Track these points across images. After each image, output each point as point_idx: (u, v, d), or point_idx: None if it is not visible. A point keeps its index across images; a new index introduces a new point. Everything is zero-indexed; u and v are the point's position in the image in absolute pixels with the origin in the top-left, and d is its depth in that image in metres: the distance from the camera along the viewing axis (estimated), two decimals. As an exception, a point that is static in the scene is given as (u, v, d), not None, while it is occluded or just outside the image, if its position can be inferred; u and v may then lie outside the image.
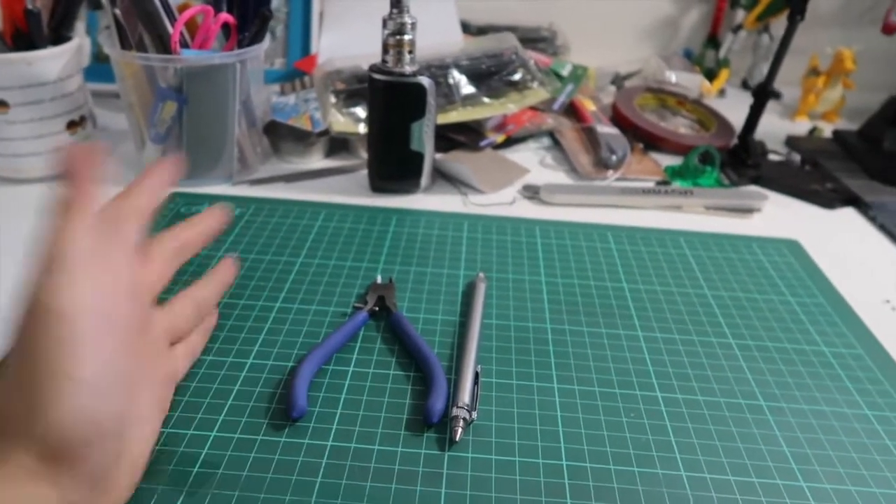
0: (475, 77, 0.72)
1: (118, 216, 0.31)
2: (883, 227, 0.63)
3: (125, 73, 0.59)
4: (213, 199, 0.59)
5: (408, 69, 0.57)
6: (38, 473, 0.25)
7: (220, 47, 0.60)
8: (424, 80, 0.57)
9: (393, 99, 0.58)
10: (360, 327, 0.44)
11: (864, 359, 0.44)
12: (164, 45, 0.57)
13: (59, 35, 0.59)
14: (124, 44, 0.57)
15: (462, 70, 0.72)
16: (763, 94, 0.70)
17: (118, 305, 0.28)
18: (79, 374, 0.26)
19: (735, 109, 0.82)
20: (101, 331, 0.27)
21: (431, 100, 0.58)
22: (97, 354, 0.27)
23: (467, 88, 0.71)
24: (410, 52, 0.57)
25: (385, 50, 0.56)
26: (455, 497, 0.32)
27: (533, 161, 0.72)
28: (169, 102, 0.57)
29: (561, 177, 0.69)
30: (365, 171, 0.64)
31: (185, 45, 0.58)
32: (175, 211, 0.57)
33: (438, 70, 0.71)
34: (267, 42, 0.61)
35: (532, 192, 0.64)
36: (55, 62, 0.57)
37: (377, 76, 0.57)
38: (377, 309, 0.45)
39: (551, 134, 0.77)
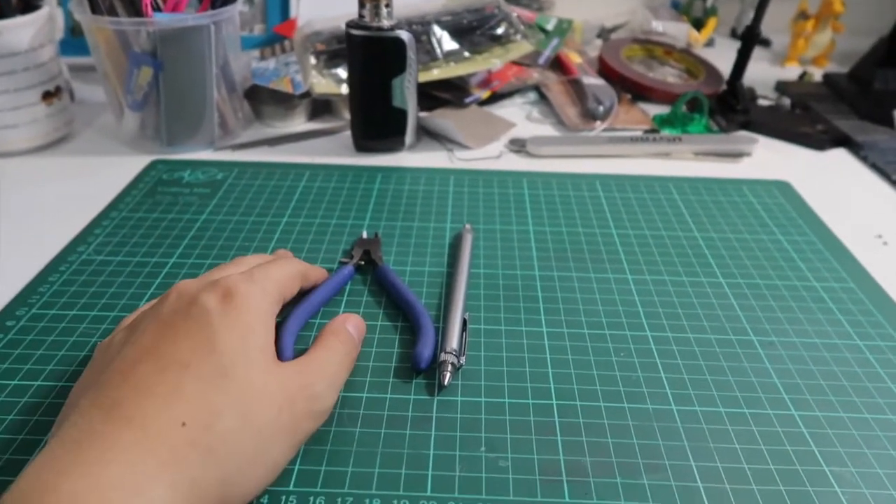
0: (457, 32, 0.71)
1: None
2: (874, 166, 0.62)
3: (98, 40, 0.58)
4: (194, 166, 0.58)
5: (385, 23, 0.55)
6: None
7: (193, 10, 0.59)
8: (403, 34, 0.56)
9: (372, 54, 0.56)
10: (347, 281, 0.43)
11: (856, 292, 0.44)
12: (135, 9, 0.55)
13: (28, 4, 0.58)
14: (95, 10, 0.56)
15: (443, 26, 0.70)
16: (750, 37, 0.68)
17: None
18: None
19: (724, 58, 0.81)
20: None
21: (411, 54, 0.57)
22: None
23: (449, 45, 0.70)
24: (387, 5, 0.55)
25: (361, 4, 0.55)
26: (445, 438, 0.32)
27: (519, 116, 0.71)
28: (144, 68, 0.56)
29: (548, 130, 0.68)
30: (349, 133, 0.64)
31: (157, 8, 0.57)
32: (157, 178, 0.56)
33: (420, 26, 0.69)
34: (240, 3, 0.60)
35: (519, 146, 0.63)
36: (25, 31, 0.56)
37: (354, 32, 0.56)
38: (363, 263, 0.45)
39: (537, 88, 0.76)
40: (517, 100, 0.75)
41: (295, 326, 0.38)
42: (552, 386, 0.36)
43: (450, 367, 0.35)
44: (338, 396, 0.33)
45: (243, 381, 0.28)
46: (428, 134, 0.66)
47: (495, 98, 0.73)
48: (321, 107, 0.69)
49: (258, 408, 0.27)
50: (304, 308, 0.39)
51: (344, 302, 0.42)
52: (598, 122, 0.67)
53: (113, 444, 0.24)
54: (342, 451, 0.31)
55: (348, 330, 0.35)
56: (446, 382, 0.35)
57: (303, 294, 0.40)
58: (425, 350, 0.36)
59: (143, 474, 0.24)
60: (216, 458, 0.26)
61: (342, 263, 0.44)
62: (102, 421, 0.25)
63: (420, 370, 0.36)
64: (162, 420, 0.25)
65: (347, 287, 0.43)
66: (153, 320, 0.30)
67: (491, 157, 0.62)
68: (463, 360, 0.36)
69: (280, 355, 0.35)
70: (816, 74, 0.85)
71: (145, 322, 0.30)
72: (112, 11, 0.56)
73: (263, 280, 0.33)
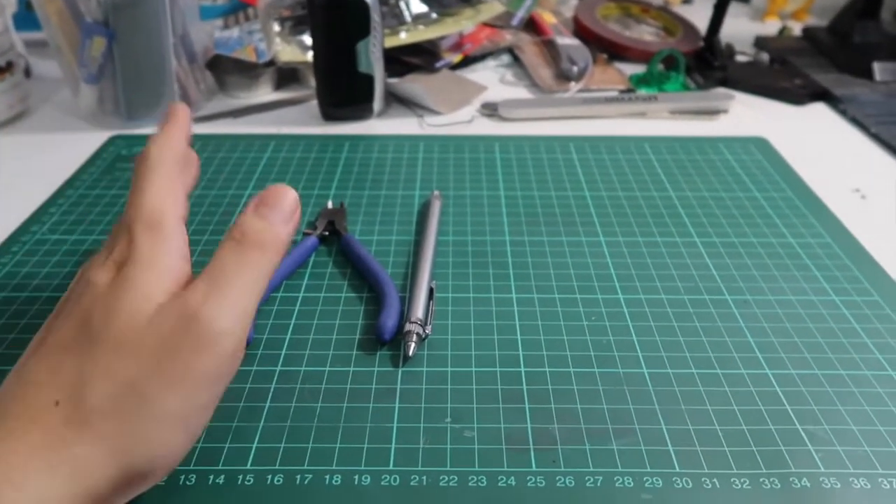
0: (426, -6, 0.69)
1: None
2: (854, 120, 0.61)
3: (48, 11, 0.55)
4: (155, 139, 0.56)
5: (347, -16, 0.53)
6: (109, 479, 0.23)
7: (147, -24, 0.57)
8: (366, -5, 0.54)
9: (334, 18, 0.54)
10: (310, 253, 0.42)
11: (833, 247, 0.43)
12: (85, -24, 0.53)
13: (-28, -25, 0.56)
14: (43, -21, 0.53)
15: (411, -13, 0.68)
16: (726, -10, 0.67)
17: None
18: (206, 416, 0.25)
19: (702, 15, 0.78)
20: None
21: (376, 16, 0.55)
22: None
23: (418, 7, 0.68)
24: (349, -35, 0.53)
25: (321, -35, 0.53)
26: (409, 410, 0.31)
27: (492, 79, 0.69)
28: (97, 38, 0.54)
29: (522, 93, 0.66)
30: (316, 101, 0.62)
31: (108, -25, 0.54)
32: (116, 154, 0.54)
33: (386, -11, 0.67)
34: (197, -33, 0.57)
35: (491, 110, 0.61)
36: (-30, 3, 0.54)
37: (315, -6, 0.54)
38: (327, 233, 0.43)
39: (511, 51, 0.74)
40: (490, 63, 0.73)
41: (255, 301, 0.37)
42: (521, 353, 0.35)
43: (415, 338, 0.34)
44: (240, 320, 0.25)
45: (113, 340, 0.24)
46: (398, 100, 0.64)
47: (467, 62, 0.71)
48: (287, 75, 0.67)
49: (128, 363, 0.24)
50: (265, 282, 0.38)
51: (308, 274, 0.40)
52: (573, 83, 0.66)
53: None
54: (302, 427, 0.30)
55: (250, 227, 0.26)
56: (411, 353, 0.34)
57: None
58: (389, 321, 0.35)
59: (13, 464, 0.22)
60: (96, 430, 0.23)
61: (306, 234, 0.43)
62: None
63: (384, 341, 0.35)
64: (36, 405, 0.23)
65: (311, 258, 0.42)
66: (52, 311, 0.27)
67: (462, 121, 0.60)
68: (429, 329, 0.35)
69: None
70: (796, 28, 0.83)
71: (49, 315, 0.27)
72: (60, -20, 0.54)
73: (143, 215, 0.26)
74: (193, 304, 0.24)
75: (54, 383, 0.24)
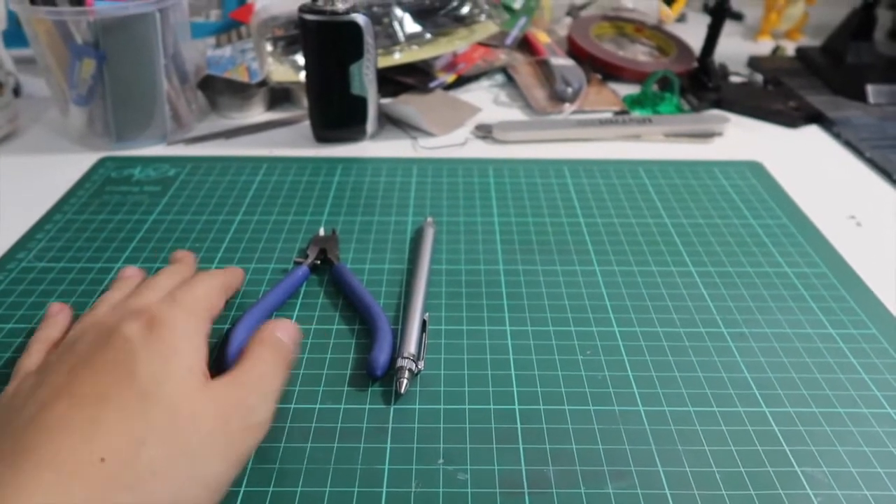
0: (420, 14, 0.68)
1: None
2: (848, 143, 0.61)
3: (38, 32, 0.55)
4: (145, 162, 0.56)
5: (340, 6, 0.53)
6: None
7: (138, -3, 0.56)
8: (359, 18, 0.53)
9: (327, 40, 0.54)
10: (301, 283, 0.41)
11: (829, 277, 0.43)
12: (75, -3, 0.52)
13: (-40, -6, 0.55)
14: (33, 0, 0.53)
15: (405, 7, 0.68)
16: (720, 11, 0.67)
17: None
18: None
19: (696, 34, 0.78)
20: None
21: (369, 38, 0.54)
22: None
23: (412, 27, 0.67)
24: (342, -13, 0.53)
25: (315, -13, 0.53)
26: (400, 451, 0.31)
27: (486, 99, 0.69)
28: (86, 60, 0.53)
29: (515, 114, 0.66)
30: (308, 122, 0.61)
31: (98, -4, 0.54)
32: (105, 176, 0.53)
33: (380, 8, 0.67)
34: (189, -12, 0.57)
35: (485, 132, 0.61)
36: (-43, 24, 0.53)
37: (308, 16, 0.53)
38: (319, 262, 0.43)
39: (505, 71, 0.74)
40: (484, 83, 0.72)
41: (243, 332, 0.36)
42: (515, 389, 0.34)
43: (407, 374, 0.33)
44: (274, 408, 0.29)
45: (168, 405, 0.26)
46: (391, 121, 0.63)
47: (462, 81, 0.71)
48: (280, 95, 0.67)
49: (187, 430, 0.25)
50: (254, 313, 0.37)
51: (298, 305, 0.40)
52: (567, 105, 0.66)
53: (23, 491, 0.22)
54: (291, 470, 0.30)
55: (277, 336, 0.31)
56: (403, 390, 0.33)
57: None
58: (381, 356, 0.34)
59: None
60: (145, 490, 0.23)
61: (297, 263, 0.42)
62: (10, 467, 0.23)
63: (376, 377, 0.34)
64: (78, 458, 0.23)
65: (302, 289, 0.41)
66: (67, 357, 0.28)
67: (456, 144, 0.60)
68: (421, 364, 0.35)
69: (225, 362, 0.34)
70: (789, 48, 0.84)
71: (57, 362, 0.28)
72: (50, 1, 0.53)
73: (191, 301, 0.32)
74: (245, 390, 0.28)
75: (98, 437, 0.24)
